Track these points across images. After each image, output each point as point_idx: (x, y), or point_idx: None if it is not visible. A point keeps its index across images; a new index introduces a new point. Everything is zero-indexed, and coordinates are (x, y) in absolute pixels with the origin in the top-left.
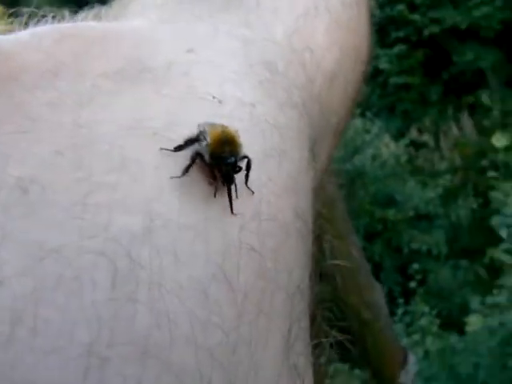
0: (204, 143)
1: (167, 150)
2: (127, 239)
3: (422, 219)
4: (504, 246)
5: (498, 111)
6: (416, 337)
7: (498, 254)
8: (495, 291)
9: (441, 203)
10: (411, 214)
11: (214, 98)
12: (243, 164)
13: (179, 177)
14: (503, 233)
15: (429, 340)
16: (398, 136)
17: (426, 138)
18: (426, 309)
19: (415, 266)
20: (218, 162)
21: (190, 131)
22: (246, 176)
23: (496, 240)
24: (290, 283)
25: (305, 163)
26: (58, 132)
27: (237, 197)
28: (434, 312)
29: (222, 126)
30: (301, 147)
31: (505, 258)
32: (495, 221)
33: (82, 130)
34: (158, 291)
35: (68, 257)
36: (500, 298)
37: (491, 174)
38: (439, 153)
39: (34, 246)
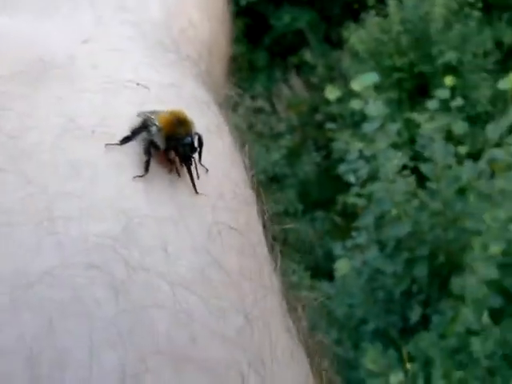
0: (154, 129)
1: (113, 144)
2: (111, 245)
3: (273, 181)
4: (354, 190)
5: (321, 67)
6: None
7: (349, 199)
8: (354, 233)
9: (287, 163)
10: (261, 178)
11: (138, 84)
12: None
13: (143, 175)
14: (351, 178)
15: (303, 293)
16: (235, 106)
17: (261, 103)
18: (295, 266)
19: (276, 227)
20: (174, 144)
21: (130, 122)
22: (200, 153)
23: (345, 187)
24: (265, 253)
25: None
26: None
27: (198, 177)
28: (302, 266)
29: (168, 110)
30: (225, 119)
31: (357, 201)
32: (341, 169)
33: (13, 141)
34: (165, 289)
35: (59, 278)
36: (359, 239)
37: (329, 126)
38: (276, 115)
39: (17, 275)
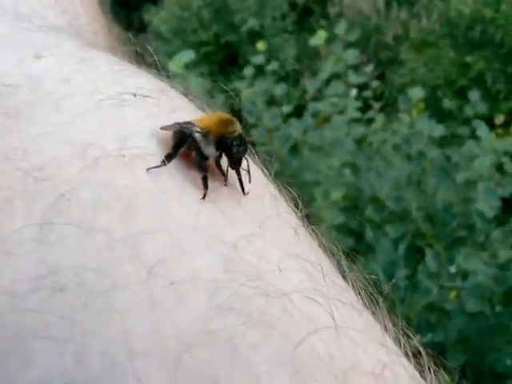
0: (199, 135)
1: (157, 167)
2: (230, 279)
3: None
4: None
5: (130, 53)
6: None
7: None
8: None
9: None
10: None
11: (135, 95)
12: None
13: (205, 194)
14: None
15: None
16: None
17: None
18: None
19: None
20: (226, 146)
21: (155, 137)
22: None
23: None
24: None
25: None
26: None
27: (249, 181)
28: None
29: (202, 115)
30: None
31: None
32: None
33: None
34: (322, 302)
35: (216, 334)
36: None
37: None
38: None
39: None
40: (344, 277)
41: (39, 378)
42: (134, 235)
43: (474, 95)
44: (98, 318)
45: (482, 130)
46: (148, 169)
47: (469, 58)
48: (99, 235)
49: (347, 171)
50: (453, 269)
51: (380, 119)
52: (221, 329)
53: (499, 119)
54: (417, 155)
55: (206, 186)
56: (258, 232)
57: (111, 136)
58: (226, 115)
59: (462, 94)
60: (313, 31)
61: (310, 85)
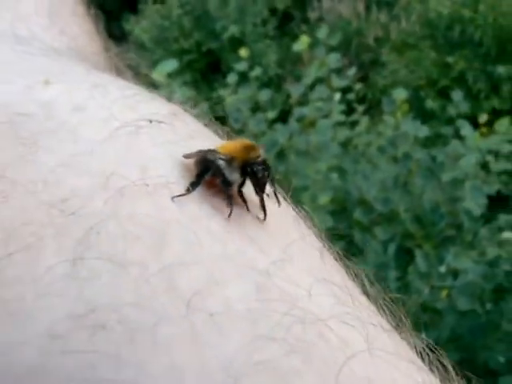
0: (223, 163)
1: (182, 195)
2: (264, 308)
3: None
4: None
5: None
6: None
7: None
8: None
9: None
10: None
11: (151, 122)
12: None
13: (231, 212)
14: None
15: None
16: None
17: None
18: None
19: None
20: (251, 171)
21: (177, 165)
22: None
23: None
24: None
25: None
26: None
27: (279, 204)
28: None
29: (228, 141)
30: None
31: None
32: None
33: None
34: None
35: (267, 366)
36: None
37: None
38: None
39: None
40: (366, 293)
41: None
42: (167, 267)
43: (457, 95)
44: (144, 353)
45: (465, 129)
46: (173, 197)
47: (449, 59)
48: (133, 268)
49: (334, 175)
50: (443, 268)
51: (364, 122)
52: (265, 359)
53: (483, 118)
54: (402, 156)
55: (230, 205)
56: (287, 257)
57: (132, 165)
58: (248, 141)
59: (444, 94)
60: (294, 36)
61: (294, 90)
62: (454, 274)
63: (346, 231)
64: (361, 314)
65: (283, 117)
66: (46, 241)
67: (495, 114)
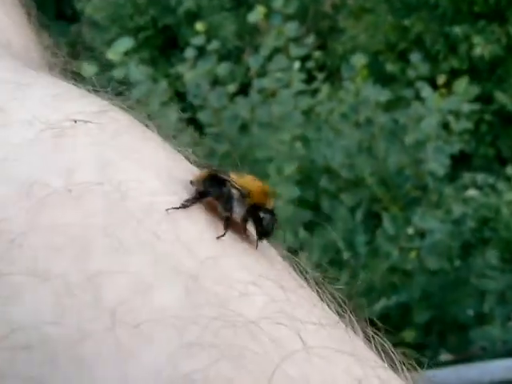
0: (235, 192)
1: (177, 208)
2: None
3: None
4: None
5: (65, 45)
6: None
7: None
8: None
9: None
10: None
11: (76, 122)
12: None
13: (223, 235)
14: None
15: None
16: None
17: None
18: None
19: None
20: (258, 216)
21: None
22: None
23: None
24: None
25: None
26: None
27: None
28: None
29: (245, 175)
30: None
31: None
32: None
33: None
34: None
35: None
36: None
37: None
38: None
39: None
40: (306, 278)
41: None
42: (91, 278)
43: (415, 57)
44: (66, 374)
45: (425, 90)
46: (167, 209)
47: (407, 22)
48: (56, 281)
49: (298, 144)
50: (410, 230)
51: (325, 89)
52: (193, 369)
53: (441, 79)
54: (365, 122)
55: (227, 229)
56: (217, 254)
57: (56, 170)
58: (268, 187)
59: (403, 58)
60: (250, 6)
61: (253, 61)
62: (422, 234)
63: (313, 200)
64: (297, 310)
65: (244, 89)
66: None
67: (453, 74)
